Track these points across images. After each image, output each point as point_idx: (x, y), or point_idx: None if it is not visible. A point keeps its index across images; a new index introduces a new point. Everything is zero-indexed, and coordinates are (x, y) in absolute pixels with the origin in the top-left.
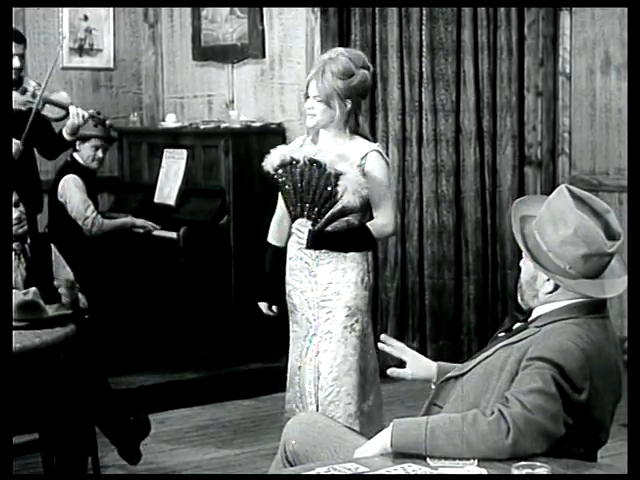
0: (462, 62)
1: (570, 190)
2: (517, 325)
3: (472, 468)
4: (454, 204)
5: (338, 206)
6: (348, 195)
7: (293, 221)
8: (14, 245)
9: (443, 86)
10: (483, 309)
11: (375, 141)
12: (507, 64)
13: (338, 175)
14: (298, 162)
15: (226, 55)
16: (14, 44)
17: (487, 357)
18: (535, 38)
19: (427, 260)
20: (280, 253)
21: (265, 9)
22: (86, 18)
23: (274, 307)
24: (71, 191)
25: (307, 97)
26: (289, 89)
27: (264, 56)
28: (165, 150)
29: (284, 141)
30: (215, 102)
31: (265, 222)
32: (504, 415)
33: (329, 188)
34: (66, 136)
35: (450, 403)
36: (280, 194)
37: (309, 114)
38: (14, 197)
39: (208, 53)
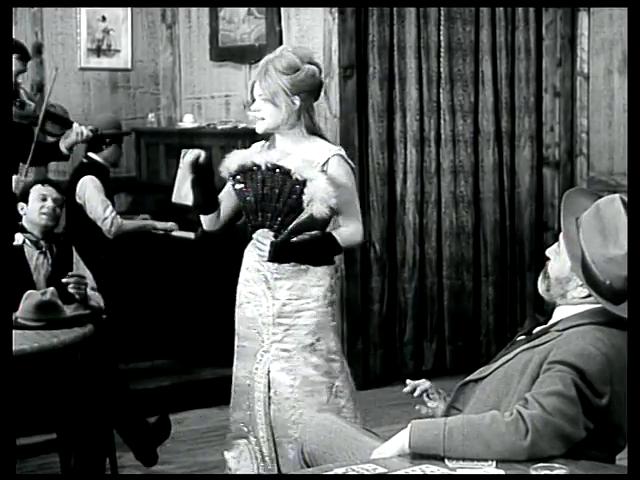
0: (480, 62)
1: (624, 203)
2: (538, 329)
3: (490, 469)
4: (472, 205)
5: (303, 216)
6: (316, 205)
7: (253, 231)
8: (42, 242)
9: (461, 87)
10: (502, 310)
11: (335, 143)
12: (525, 64)
13: (305, 182)
14: (259, 167)
15: (243, 56)
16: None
17: (508, 360)
18: (553, 38)
19: (445, 261)
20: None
21: (283, 9)
22: (104, 19)
23: None
24: (90, 192)
25: (253, 100)
26: None
27: None
28: (182, 150)
29: None
30: (233, 102)
31: None
32: (523, 416)
33: (294, 196)
34: (64, 150)
35: (470, 406)
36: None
37: (256, 117)
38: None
39: (225, 54)
